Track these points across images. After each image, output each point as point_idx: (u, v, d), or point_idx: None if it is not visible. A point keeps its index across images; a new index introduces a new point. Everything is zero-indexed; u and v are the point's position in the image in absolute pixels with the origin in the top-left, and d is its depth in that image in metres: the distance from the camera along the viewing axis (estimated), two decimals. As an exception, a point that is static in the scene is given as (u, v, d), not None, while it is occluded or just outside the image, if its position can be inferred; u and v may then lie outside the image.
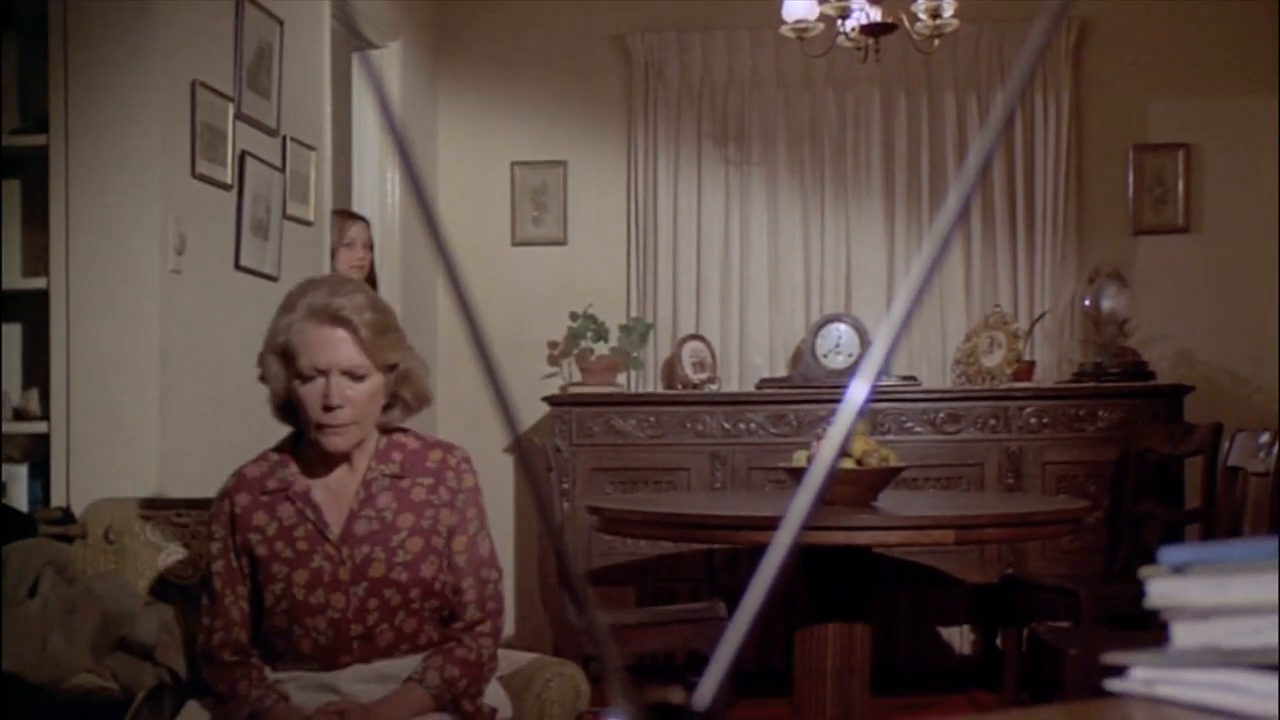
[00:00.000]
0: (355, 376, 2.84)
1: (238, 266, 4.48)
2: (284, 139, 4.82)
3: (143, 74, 3.96)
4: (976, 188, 0.61)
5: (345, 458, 2.94)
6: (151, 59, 3.98)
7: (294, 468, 2.95)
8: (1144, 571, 1.17)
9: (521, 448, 0.65)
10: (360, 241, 5.56)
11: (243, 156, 4.46)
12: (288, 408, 2.94)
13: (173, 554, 3.47)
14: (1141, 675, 1.09)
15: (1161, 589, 1.12)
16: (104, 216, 3.94)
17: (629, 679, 0.59)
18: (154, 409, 3.98)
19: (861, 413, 0.61)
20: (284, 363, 2.87)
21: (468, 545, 2.95)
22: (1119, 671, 1.11)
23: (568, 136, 6.84)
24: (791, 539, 0.61)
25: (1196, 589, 1.08)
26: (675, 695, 0.60)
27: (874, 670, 4.23)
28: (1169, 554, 1.11)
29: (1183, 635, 1.10)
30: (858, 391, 0.62)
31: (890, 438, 5.95)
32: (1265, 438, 4.26)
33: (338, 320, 2.83)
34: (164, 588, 3.43)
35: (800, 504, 0.62)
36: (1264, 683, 0.99)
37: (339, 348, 2.83)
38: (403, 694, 2.84)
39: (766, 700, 5.51)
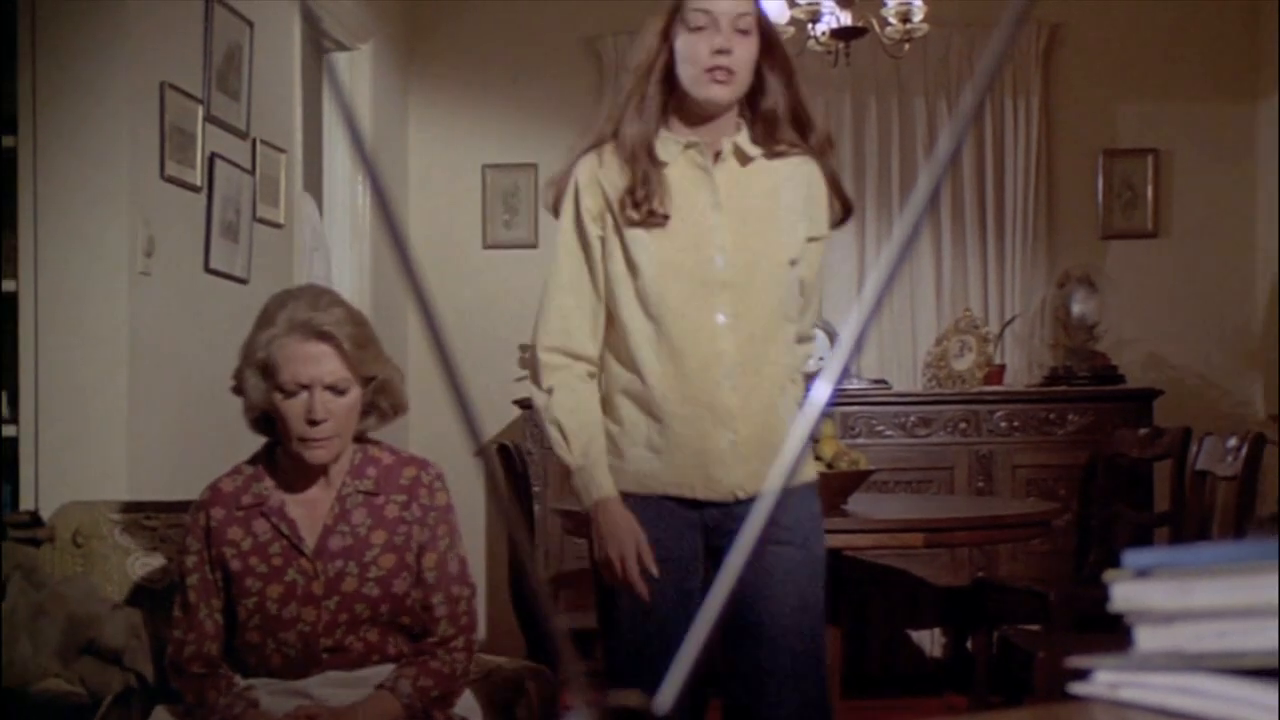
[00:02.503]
0: (338, 390, 2.85)
1: (207, 269, 4.46)
2: (254, 141, 4.80)
3: (111, 75, 3.95)
4: (945, 176, 0.61)
5: (321, 472, 2.94)
6: (120, 60, 3.96)
7: (268, 482, 2.96)
8: (1109, 575, 1.17)
9: (486, 458, 0.64)
10: (727, 18, 2.88)
11: (212, 158, 4.44)
12: (264, 420, 2.94)
13: (142, 557, 3.46)
14: (1105, 679, 1.09)
15: (1126, 593, 1.12)
16: (72, 218, 3.92)
17: (589, 682, 0.59)
18: (123, 412, 3.96)
19: (826, 411, 0.61)
20: (264, 376, 2.87)
21: (438, 562, 2.96)
22: (1084, 675, 1.12)
23: (539, 139, 6.83)
24: (754, 539, 0.61)
25: (1160, 593, 1.08)
26: (636, 699, 0.60)
27: (845, 673, 4.24)
28: (1133, 558, 1.11)
29: (1147, 639, 1.10)
30: (821, 391, 0.62)
31: (861, 441, 5.96)
32: (1233, 441, 4.28)
33: (321, 335, 2.84)
34: (133, 591, 3.42)
35: (763, 503, 0.62)
36: (1226, 686, 0.99)
37: (322, 363, 2.84)
38: (374, 700, 2.84)
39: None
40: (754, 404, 2.87)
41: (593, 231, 2.92)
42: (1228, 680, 1.00)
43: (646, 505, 2.87)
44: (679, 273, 2.84)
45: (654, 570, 2.82)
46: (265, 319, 2.91)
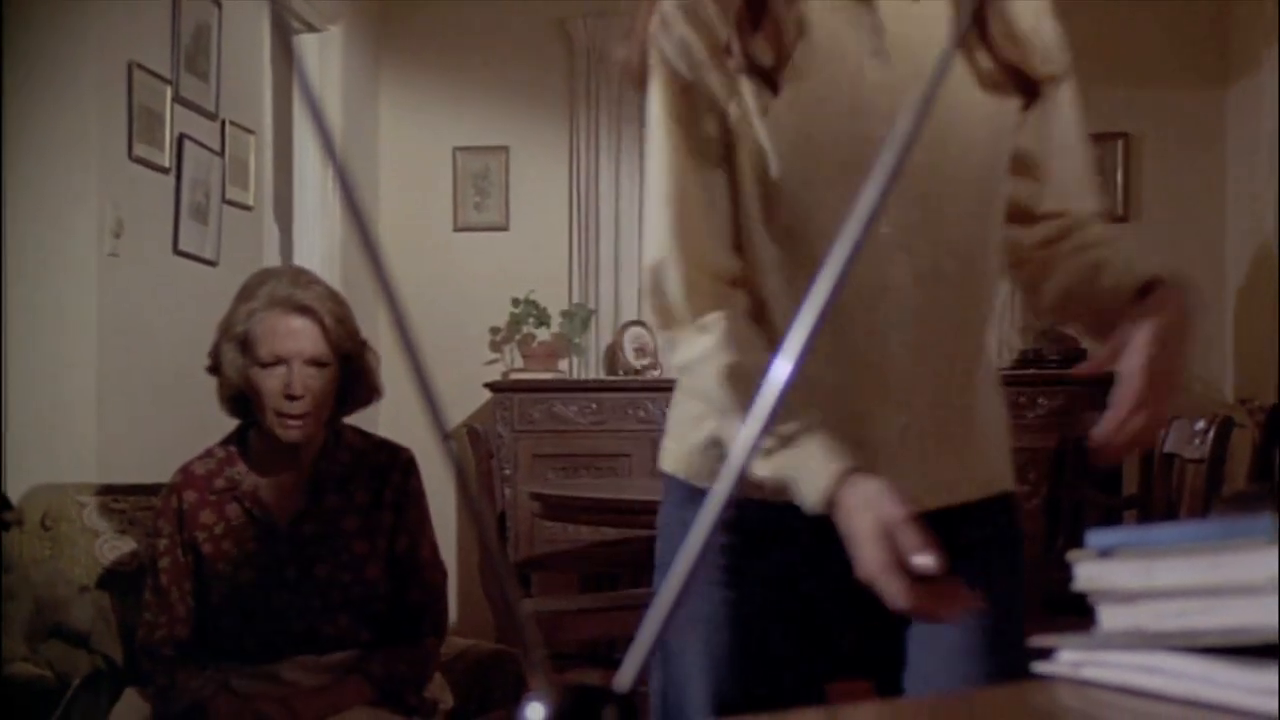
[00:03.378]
0: (318, 364, 2.86)
1: (176, 251, 4.45)
2: (223, 122, 4.78)
3: (79, 55, 3.92)
4: (908, 153, 0.60)
5: (293, 454, 2.94)
6: (87, 40, 3.94)
7: (241, 466, 2.96)
8: (1072, 555, 1.18)
9: (449, 448, 0.64)
10: None
11: (180, 139, 4.42)
12: (239, 400, 2.94)
13: (111, 540, 3.45)
14: (1068, 658, 1.10)
15: (1089, 572, 1.12)
16: (40, 199, 3.89)
17: (549, 662, 0.59)
18: (91, 394, 3.95)
19: (785, 391, 0.61)
20: (242, 350, 2.87)
21: (410, 547, 2.96)
22: (1048, 654, 1.12)
23: (510, 121, 6.82)
24: (713, 518, 0.61)
25: (1123, 572, 1.09)
26: (595, 678, 0.60)
27: (814, 655, 4.24)
28: (1097, 538, 1.12)
29: (1109, 618, 1.11)
30: (780, 370, 0.62)
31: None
32: (1201, 424, 4.29)
33: (303, 309, 2.86)
34: (102, 574, 3.41)
35: (724, 481, 0.62)
36: (1187, 664, 1.00)
37: (303, 337, 2.86)
38: (347, 683, 2.85)
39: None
40: (939, 370, 1.81)
41: (711, 83, 1.75)
42: (1188, 658, 1.00)
43: (774, 523, 1.75)
44: (821, 159, 1.74)
45: (929, 565, 1.51)
46: (245, 294, 2.93)
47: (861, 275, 1.71)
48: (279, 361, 2.85)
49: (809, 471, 1.61)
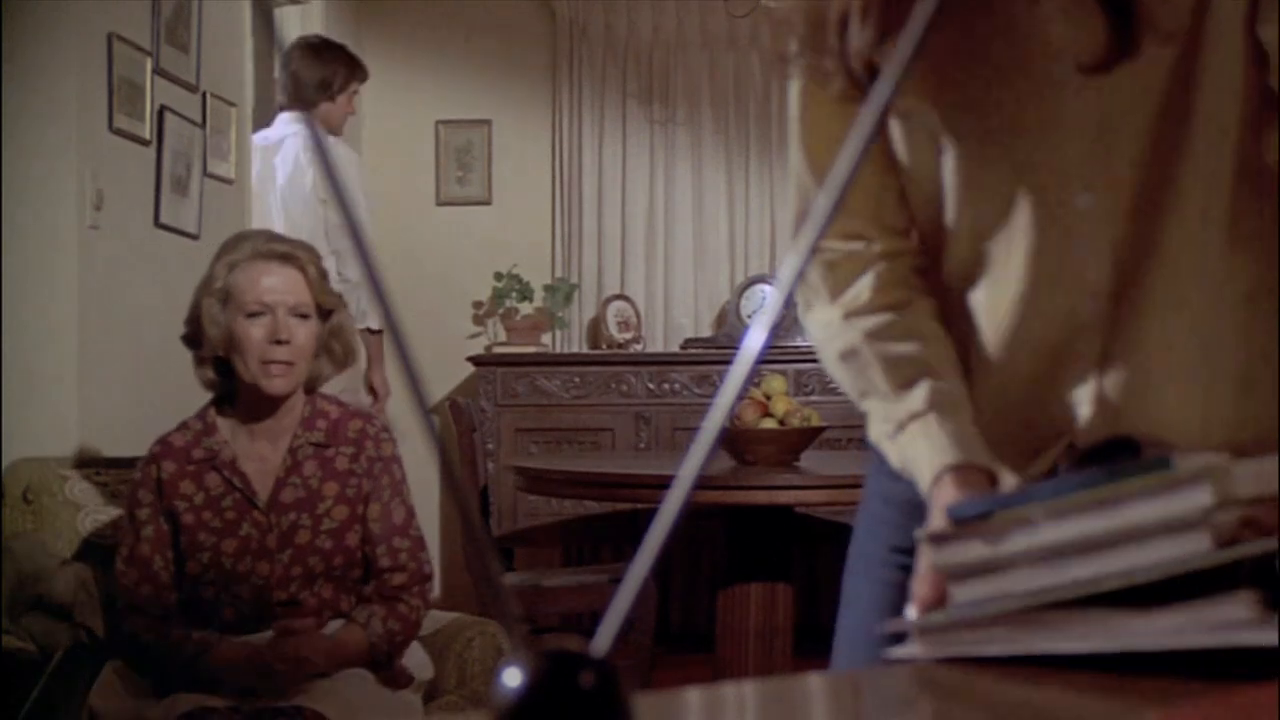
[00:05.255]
0: (301, 314, 2.88)
1: (157, 224, 4.43)
2: (204, 95, 4.76)
3: (58, 27, 3.90)
4: (881, 119, 0.61)
5: (273, 421, 2.94)
6: (67, 11, 3.91)
7: (218, 436, 2.96)
8: (919, 533, 1.15)
9: (430, 425, 0.65)
10: None
11: (161, 112, 4.40)
12: (219, 366, 2.95)
13: (93, 514, 3.45)
14: (928, 638, 1.07)
15: (949, 546, 1.10)
16: (20, 171, 3.88)
17: (526, 629, 0.59)
18: (72, 367, 3.93)
19: (759, 360, 0.61)
20: (224, 304, 2.89)
21: (382, 513, 2.97)
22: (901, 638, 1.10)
23: (493, 95, 6.81)
24: (690, 484, 0.61)
25: (976, 545, 1.06)
26: (573, 643, 0.60)
27: (797, 630, 4.26)
28: (955, 509, 1.09)
29: (962, 593, 1.08)
30: (755, 339, 0.62)
31: (814, 398, 5.97)
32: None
33: (286, 259, 2.90)
34: (84, 547, 3.40)
35: (699, 448, 0.62)
36: (1045, 627, 0.99)
37: (287, 284, 2.89)
38: (346, 632, 2.85)
39: (691, 659, 5.53)
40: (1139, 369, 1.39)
41: None
42: (1044, 625, 1.00)
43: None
44: (979, 108, 1.42)
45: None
46: (224, 250, 2.96)
47: (1057, 278, 1.41)
48: (263, 311, 2.86)
49: (919, 464, 1.38)
